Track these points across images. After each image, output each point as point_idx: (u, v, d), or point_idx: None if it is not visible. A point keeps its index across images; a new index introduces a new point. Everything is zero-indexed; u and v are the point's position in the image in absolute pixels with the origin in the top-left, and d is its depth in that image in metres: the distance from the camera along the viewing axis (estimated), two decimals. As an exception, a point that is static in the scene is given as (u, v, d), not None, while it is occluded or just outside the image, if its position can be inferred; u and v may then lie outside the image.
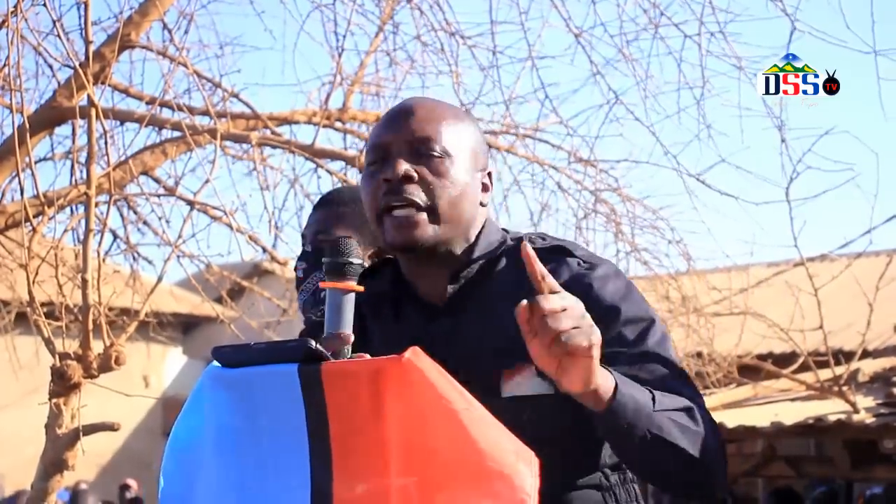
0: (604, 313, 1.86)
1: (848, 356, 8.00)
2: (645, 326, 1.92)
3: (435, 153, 1.94)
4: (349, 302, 1.83)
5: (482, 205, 2.02)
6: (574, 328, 1.62)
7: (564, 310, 1.63)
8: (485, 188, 2.03)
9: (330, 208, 2.59)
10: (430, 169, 1.94)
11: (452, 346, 1.88)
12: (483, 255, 2.00)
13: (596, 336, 1.65)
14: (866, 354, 9.22)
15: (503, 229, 2.10)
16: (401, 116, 1.99)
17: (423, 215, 1.93)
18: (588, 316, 1.66)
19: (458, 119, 2.01)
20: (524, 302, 1.63)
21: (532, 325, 1.63)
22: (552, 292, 1.65)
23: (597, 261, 1.99)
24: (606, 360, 1.76)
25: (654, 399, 1.79)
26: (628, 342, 1.90)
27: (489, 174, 2.05)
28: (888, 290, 6.91)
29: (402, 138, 1.95)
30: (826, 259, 7.63)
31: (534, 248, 1.74)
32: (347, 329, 1.81)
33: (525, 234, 2.06)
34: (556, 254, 1.98)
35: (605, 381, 1.72)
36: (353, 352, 1.82)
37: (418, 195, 1.92)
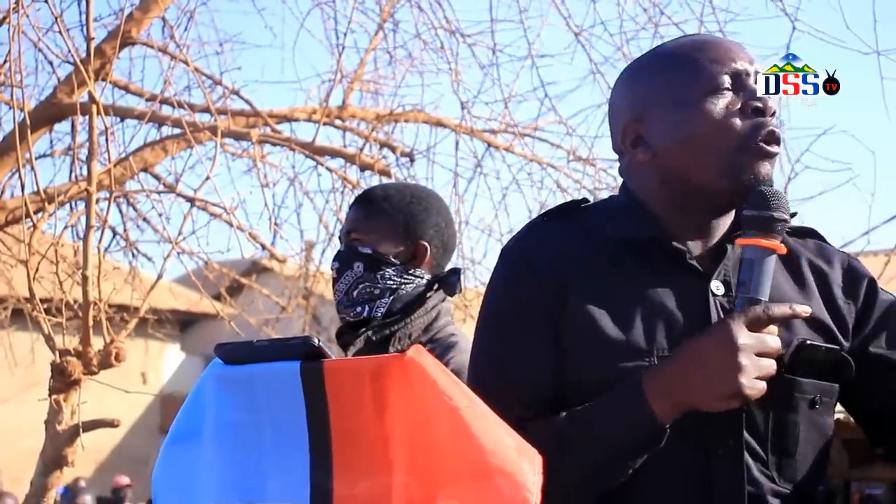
0: (875, 299, 1.80)
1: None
2: None
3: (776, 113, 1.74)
4: (771, 264, 1.62)
5: None
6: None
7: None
8: None
9: (364, 206, 2.54)
10: None
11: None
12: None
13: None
14: (864, 354, 9.16)
15: None
16: (739, 45, 1.75)
17: None
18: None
19: None
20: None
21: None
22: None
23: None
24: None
25: None
26: None
27: None
28: (887, 289, 6.91)
29: (753, 69, 1.72)
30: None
31: (793, 227, 1.71)
32: (765, 296, 1.61)
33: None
34: (813, 236, 1.84)
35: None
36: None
37: None
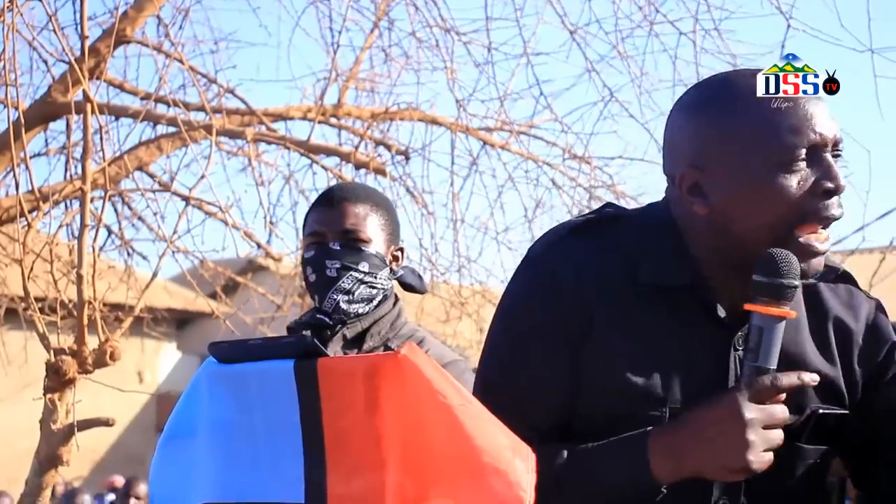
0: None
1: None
2: None
3: (842, 155, 1.64)
4: (780, 331, 1.58)
5: None
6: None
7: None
8: None
9: (363, 206, 2.53)
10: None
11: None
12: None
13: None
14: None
15: None
16: (819, 105, 1.63)
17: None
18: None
19: None
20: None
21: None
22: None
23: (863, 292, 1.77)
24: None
25: None
26: None
27: None
28: (882, 286, 6.90)
29: (832, 136, 1.62)
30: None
31: (828, 274, 1.68)
32: (773, 364, 1.58)
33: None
34: (846, 281, 1.77)
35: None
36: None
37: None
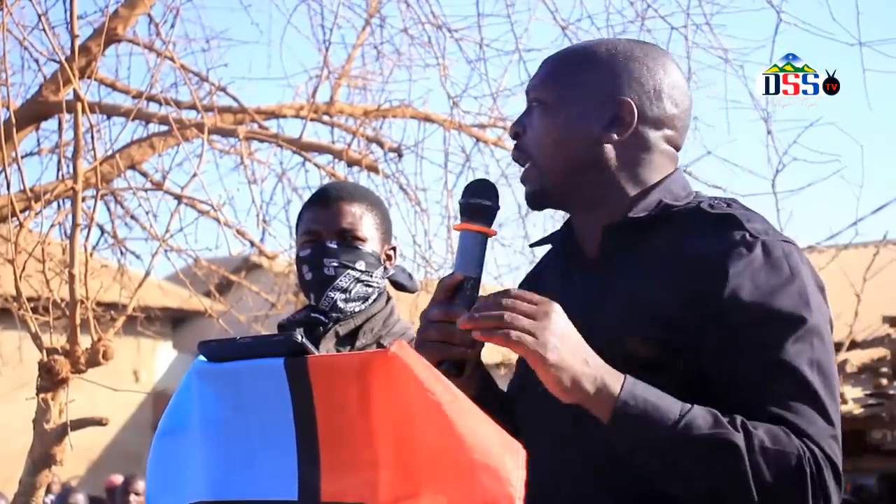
0: (729, 307, 1.65)
1: (836, 347, 8.00)
2: (782, 328, 1.65)
3: (534, 105, 1.85)
4: (479, 243, 1.76)
5: (606, 143, 1.78)
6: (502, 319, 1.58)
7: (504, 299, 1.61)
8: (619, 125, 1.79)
9: (349, 204, 2.55)
10: (530, 121, 1.85)
11: (598, 306, 1.75)
12: (641, 211, 1.78)
13: (535, 331, 1.58)
14: (854, 345, 9.26)
15: (696, 192, 1.84)
16: (545, 66, 1.88)
17: (531, 168, 1.84)
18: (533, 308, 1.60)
19: (571, 65, 1.84)
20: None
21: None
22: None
23: (770, 239, 1.69)
24: (718, 358, 1.65)
25: (682, 417, 1.59)
26: (753, 344, 1.64)
27: (624, 105, 1.78)
28: (875, 281, 6.93)
29: (531, 96, 1.87)
30: (813, 251, 7.63)
31: (700, 213, 1.73)
32: (474, 272, 1.74)
33: (710, 199, 1.79)
34: (721, 224, 1.72)
35: (602, 386, 1.60)
36: None
37: (523, 149, 1.85)
